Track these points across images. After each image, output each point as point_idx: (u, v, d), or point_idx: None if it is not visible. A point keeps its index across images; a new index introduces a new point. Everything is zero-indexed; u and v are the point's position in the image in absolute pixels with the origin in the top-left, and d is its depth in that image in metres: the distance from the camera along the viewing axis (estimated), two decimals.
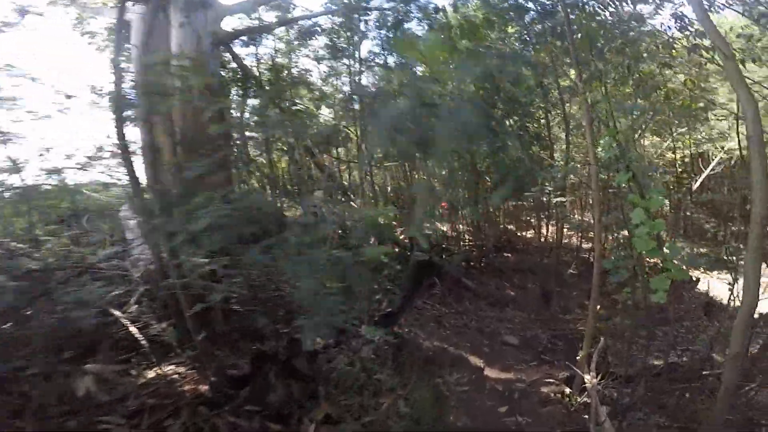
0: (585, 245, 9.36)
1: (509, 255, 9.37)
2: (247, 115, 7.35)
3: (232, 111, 7.10)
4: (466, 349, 5.23)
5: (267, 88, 7.13)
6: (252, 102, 7.45)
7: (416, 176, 9.45)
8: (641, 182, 2.94)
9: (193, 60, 5.88)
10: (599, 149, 3.36)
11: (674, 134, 10.63)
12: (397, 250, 8.61)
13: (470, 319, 6.39)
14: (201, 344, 2.82)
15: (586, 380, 4.07)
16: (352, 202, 8.23)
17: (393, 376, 3.60)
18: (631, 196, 2.89)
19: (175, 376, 2.98)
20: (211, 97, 5.88)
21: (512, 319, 6.75)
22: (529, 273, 8.66)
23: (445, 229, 10.23)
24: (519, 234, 10.37)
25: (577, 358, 4.36)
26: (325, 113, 8.29)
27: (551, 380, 4.85)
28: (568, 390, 4.54)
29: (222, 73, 7.22)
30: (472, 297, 7.46)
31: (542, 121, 9.94)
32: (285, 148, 7.34)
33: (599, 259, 3.77)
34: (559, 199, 6.24)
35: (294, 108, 6.54)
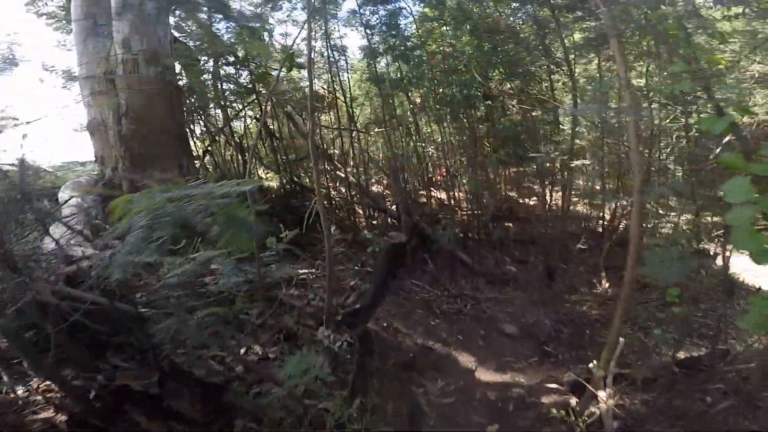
0: (593, 213, 8.18)
1: (510, 225, 8.26)
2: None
3: (203, 79, 5.94)
4: (458, 344, 4.29)
5: (238, 54, 5.91)
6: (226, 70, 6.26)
7: (410, 142, 8.27)
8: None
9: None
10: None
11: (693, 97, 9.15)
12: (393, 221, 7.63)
13: (465, 303, 5.42)
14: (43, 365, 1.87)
15: (600, 398, 3.10)
16: (339, 171, 7.15)
17: (349, 400, 2.62)
18: (725, 156, 1.63)
19: (38, 398, 2.06)
20: (158, 65, 4.82)
21: (512, 300, 5.76)
22: (531, 245, 7.59)
23: (441, 197, 9.14)
24: (521, 201, 9.21)
25: (591, 367, 3.36)
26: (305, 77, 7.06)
27: (554, 385, 3.87)
28: (574, 401, 3.57)
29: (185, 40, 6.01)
30: (469, 274, 6.46)
31: (545, 85, 8.61)
32: (257, 117, 6.20)
33: (637, 248, 2.58)
34: (580, 162, 4.92)
35: (265, 72, 5.36)
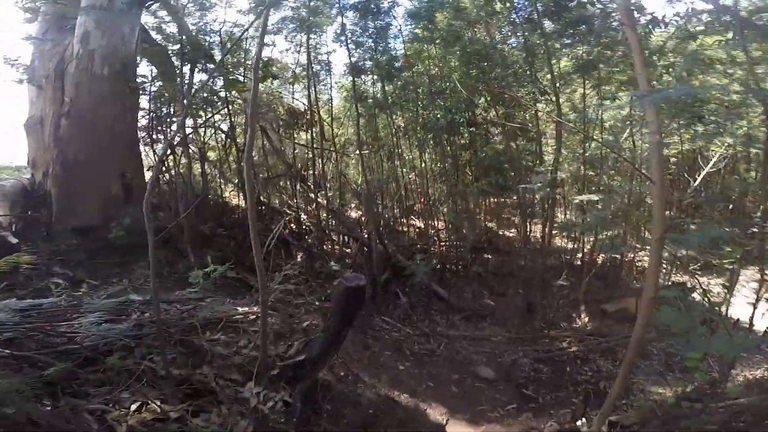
0: (572, 246, 7.71)
1: (489, 256, 7.70)
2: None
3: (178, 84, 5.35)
4: (428, 393, 3.62)
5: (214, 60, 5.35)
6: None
7: (391, 167, 7.72)
8: None
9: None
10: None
11: (670, 128, 8.93)
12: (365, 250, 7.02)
13: (438, 342, 4.79)
14: None
15: None
16: (312, 194, 6.54)
17: None
18: None
19: None
20: (116, 63, 4.25)
21: (489, 338, 5.15)
22: (510, 278, 7.03)
23: (420, 225, 8.57)
24: (500, 233, 8.70)
25: (579, 426, 2.75)
26: (287, 93, 6.55)
27: None
28: None
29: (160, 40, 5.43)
30: (445, 309, 5.87)
31: (528, 113, 8.26)
32: (222, 130, 5.60)
33: (650, 307, 1.95)
34: (587, 198, 4.26)
35: (235, 79, 4.82)
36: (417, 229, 8.26)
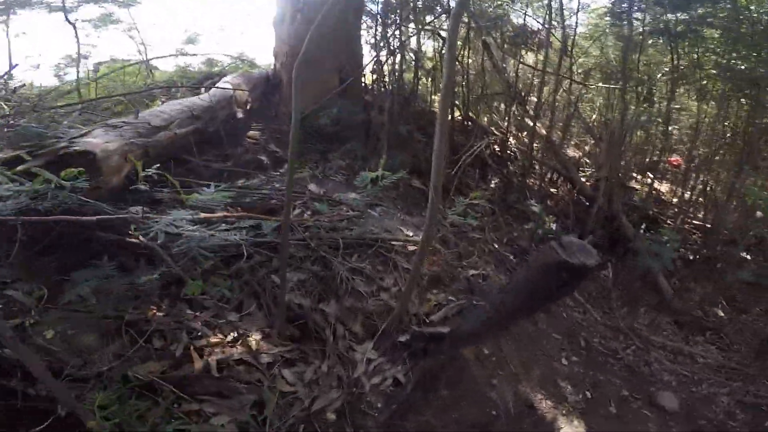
0: None
1: (748, 257, 5.54)
2: None
3: None
4: (578, 406, 2.89)
5: None
6: None
7: (645, 111, 5.91)
8: None
9: None
10: None
11: None
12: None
13: (628, 344, 3.89)
14: None
15: None
16: (529, 120, 5.62)
17: None
18: None
19: None
20: None
21: (696, 358, 3.93)
22: None
23: (663, 190, 6.68)
24: None
25: None
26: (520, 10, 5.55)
27: None
28: None
29: None
30: (657, 305, 4.72)
31: None
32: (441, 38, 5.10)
33: None
34: None
35: None
36: (657, 194, 6.42)
